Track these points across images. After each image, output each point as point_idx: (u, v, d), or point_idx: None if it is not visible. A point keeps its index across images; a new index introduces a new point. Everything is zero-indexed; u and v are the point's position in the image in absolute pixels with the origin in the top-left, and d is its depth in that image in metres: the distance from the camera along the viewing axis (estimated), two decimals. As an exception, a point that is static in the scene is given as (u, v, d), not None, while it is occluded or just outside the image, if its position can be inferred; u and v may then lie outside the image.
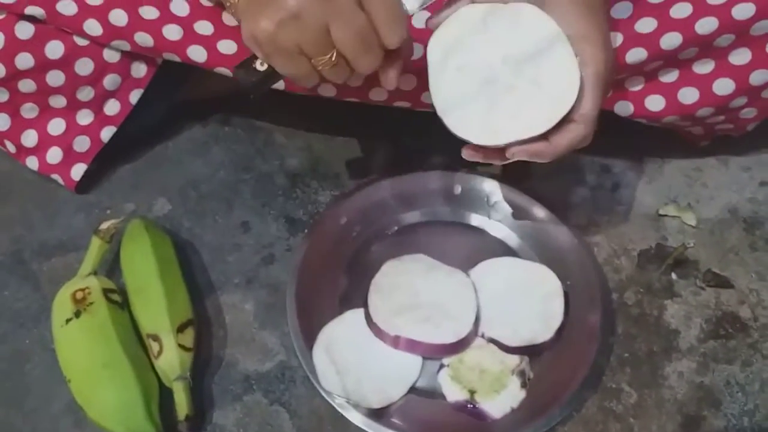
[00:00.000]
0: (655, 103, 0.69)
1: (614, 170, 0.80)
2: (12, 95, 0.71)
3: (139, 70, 0.73)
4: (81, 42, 0.69)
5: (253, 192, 0.78)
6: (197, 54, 0.67)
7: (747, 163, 0.80)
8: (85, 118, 0.74)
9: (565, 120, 0.56)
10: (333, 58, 0.53)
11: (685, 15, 0.63)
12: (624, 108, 0.70)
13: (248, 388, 0.65)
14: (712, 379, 0.66)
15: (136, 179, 0.79)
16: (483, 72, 0.57)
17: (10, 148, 0.75)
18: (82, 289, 0.65)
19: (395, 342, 0.64)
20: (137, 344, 0.64)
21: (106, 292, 0.65)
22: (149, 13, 0.67)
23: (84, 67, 0.70)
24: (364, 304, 0.66)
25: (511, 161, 0.58)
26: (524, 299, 0.67)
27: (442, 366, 0.64)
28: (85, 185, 0.77)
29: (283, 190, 0.78)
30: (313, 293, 0.68)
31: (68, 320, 0.63)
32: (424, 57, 0.59)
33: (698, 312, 0.70)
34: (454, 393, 0.63)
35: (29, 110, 0.73)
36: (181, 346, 0.63)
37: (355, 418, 0.61)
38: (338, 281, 0.70)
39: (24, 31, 0.67)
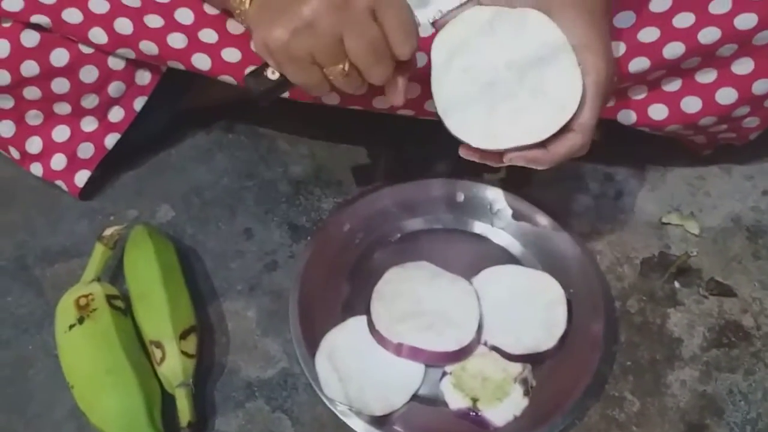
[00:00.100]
0: (658, 112, 0.69)
1: (617, 178, 0.80)
2: (17, 102, 0.71)
3: (144, 77, 0.73)
4: (86, 50, 0.69)
5: (256, 199, 0.78)
6: (202, 62, 0.68)
7: (750, 172, 0.80)
8: (89, 125, 0.75)
9: (564, 128, 0.56)
10: (345, 68, 0.54)
11: (688, 25, 0.64)
12: (627, 117, 0.70)
13: (250, 395, 0.65)
14: (715, 387, 0.66)
15: (139, 186, 0.79)
16: (487, 75, 0.57)
17: (15, 154, 0.76)
18: (86, 296, 0.65)
19: (398, 349, 0.64)
20: (140, 351, 0.64)
21: (109, 298, 0.65)
22: (154, 21, 0.67)
23: (89, 74, 0.70)
24: (367, 312, 0.66)
25: (506, 165, 0.58)
26: (527, 307, 0.67)
27: (444, 374, 0.64)
28: (88, 191, 0.77)
29: (286, 197, 0.78)
30: (316, 300, 0.68)
31: (71, 326, 0.63)
32: (428, 65, 0.59)
33: (701, 320, 0.70)
34: (456, 401, 0.63)
35: (34, 117, 0.73)
36: (184, 353, 0.63)
37: (358, 425, 0.61)
38: (341, 288, 0.70)
39: (29, 39, 0.68)
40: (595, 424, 0.64)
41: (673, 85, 0.68)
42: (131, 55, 0.69)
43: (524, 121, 0.57)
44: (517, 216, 0.74)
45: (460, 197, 0.75)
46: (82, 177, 0.76)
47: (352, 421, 0.61)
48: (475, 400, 0.63)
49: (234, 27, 0.68)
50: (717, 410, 0.65)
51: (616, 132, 0.74)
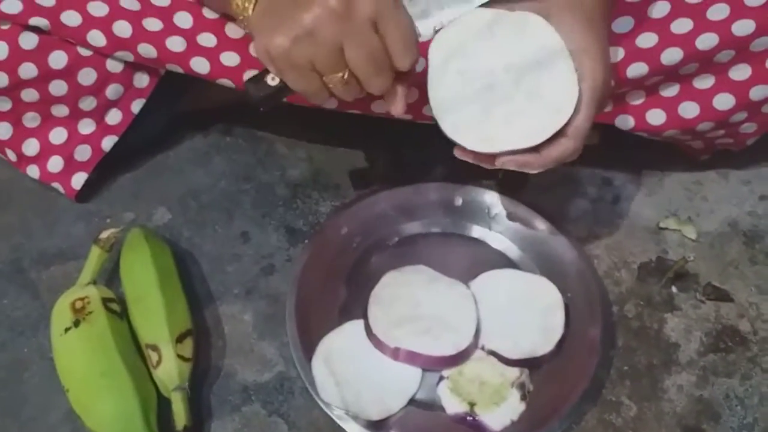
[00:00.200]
0: (655, 117, 0.69)
1: (615, 183, 0.80)
2: (15, 104, 0.71)
3: (142, 80, 0.73)
4: (84, 52, 0.69)
5: (253, 202, 0.78)
6: (200, 65, 0.68)
7: (747, 177, 0.81)
8: (86, 127, 0.75)
9: (558, 133, 0.56)
10: (345, 77, 0.54)
11: (686, 31, 0.64)
12: (625, 122, 0.70)
13: (247, 398, 0.65)
14: (712, 392, 0.66)
15: (136, 188, 0.79)
16: (483, 78, 0.58)
17: (11, 156, 0.76)
18: (82, 299, 0.65)
19: (395, 354, 0.64)
20: (136, 354, 0.64)
21: (105, 301, 0.65)
22: (153, 24, 0.67)
23: (87, 77, 0.70)
24: (364, 316, 0.66)
25: (500, 169, 0.58)
26: (524, 311, 0.67)
27: (441, 378, 0.64)
28: (85, 194, 0.77)
29: (283, 200, 0.78)
30: (313, 304, 0.68)
31: (67, 329, 0.63)
32: (426, 69, 0.59)
33: (698, 325, 0.70)
34: (453, 405, 0.63)
35: (31, 119, 0.73)
36: (180, 357, 0.63)
37: (354, 429, 0.61)
38: (338, 292, 0.70)
39: (28, 41, 0.67)
40: (592, 428, 0.64)
41: (671, 91, 0.68)
42: (130, 58, 0.69)
43: (519, 124, 0.57)
44: (514, 220, 0.74)
45: (458, 201, 0.75)
46: (78, 179, 0.76)
47: (349, 426, 0.61)
48: (472, 405, 0.63)
49: (232, 31, 0.68)
50: (714, 415, 0.65)
51: (613, 137, 0.74)
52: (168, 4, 0.68)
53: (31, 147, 0.74)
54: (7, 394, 0.65)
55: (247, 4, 0.56)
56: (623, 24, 0.66)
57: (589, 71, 0.56)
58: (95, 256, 0.69)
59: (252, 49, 0.67)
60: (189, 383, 0.63)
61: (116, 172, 0.79)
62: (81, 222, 0.76)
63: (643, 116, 0.69)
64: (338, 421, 0.61)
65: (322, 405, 0.62)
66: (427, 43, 0.59)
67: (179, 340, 0.64)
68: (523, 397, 0.63)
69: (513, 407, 0.63)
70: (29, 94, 0.70)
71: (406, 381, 0.64)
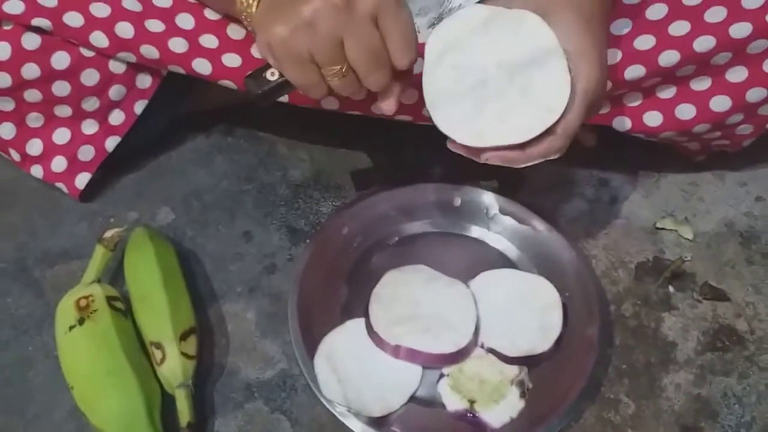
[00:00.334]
0: (652, 118, 0.70)
1: (612, 184, 0.81)
2: (18, 104, 0.71)
3: (144, 81, 0.74)
4: (87, 53, 0.70)
5: (255, 202, 0.79)
6: (202, 66, 0.68)
7: (743, 178, 0.81)
8: (90, 127, 0.75)
9: (546, 131, 0.57)
10: (343, 70, 0.54)
11: (683, 33, 0.64)
12: (622, 123, 0.71)
13: (250, 396, 0.66)
14: (709, 390, 0.67)
15: (139, 188, 0.80)
16: (476, 74, 0.58)
17: (15, 156, 0.76)
18: (86, 297, 0.65)
19: (395, 351, 0.65)
20: (140, 352, 0.65)
21: (109, 299, 0.66)
22: (155, 26, 0.68)
23: (90, 77, 0.71)
24: (365, 314, 0.67)
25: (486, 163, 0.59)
26: (523, 310, 0.68)
27: (441, 376, 0.65)
28: (89, 194, 0.78)
29: (285, 200, 0.79)
30: (315, 303, 0.69)
31: (71, 327, 0.64)
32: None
33: (695, 324, 0.71)
34: (453, 402, 0.63)
35: (35, 119, 0.73)
36: (184, 354, 0.64)
37: (356, 426, 0.61)
38: (339, 291, 0.71)
39: (31, 41, 0.68)
40: (590, 426, 0.64)
41: (668, 93, 0.69)
42: (132, 59, 0.70)
43: (510, 120, 0.57)
44: (513, 220, 0.75)
45: (457, 202, 0.76)
46: (82, 179, 0.76)
47: (351, 422, 0.62)
48: (472, 402, 0.63)
49: (234, 32, 0.68)
50: (711, 413, 0.65)
51: (611, 138, 0.75)
52: (170, 6, 0.68)
53: (34, 147, 0.75)
54: (12, 392, 0.66)
55: (251, 1, 0.57)
56: (621, 26, 0.66)
57: (583, 73, 0.56)
58: (99, 255, 0.69)
59: (254, 48, 0.67)
60: (193, 380, 0.63)
61: (119, 173, 0.80)
62: (85, 221, 0.77)
63: (640, 118, 0.70)
64: (340, 418, 0.62)
65: (324, 402, 0.63)
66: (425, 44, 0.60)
67: (183, 337, 0.64)
68: (523, 395, 0.64)
69: (512, 405, 0.63)
70: (32, 95, 0.71)
71: (406, 378, 0.64)
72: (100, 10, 0.67)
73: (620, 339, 0.69)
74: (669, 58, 0.65)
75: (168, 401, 0.63)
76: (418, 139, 0.78)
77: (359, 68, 0.54)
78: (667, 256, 0.75)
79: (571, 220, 0.77)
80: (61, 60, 0.69)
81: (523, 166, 0.58)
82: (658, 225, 0.77)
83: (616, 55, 0.66)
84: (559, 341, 0.66)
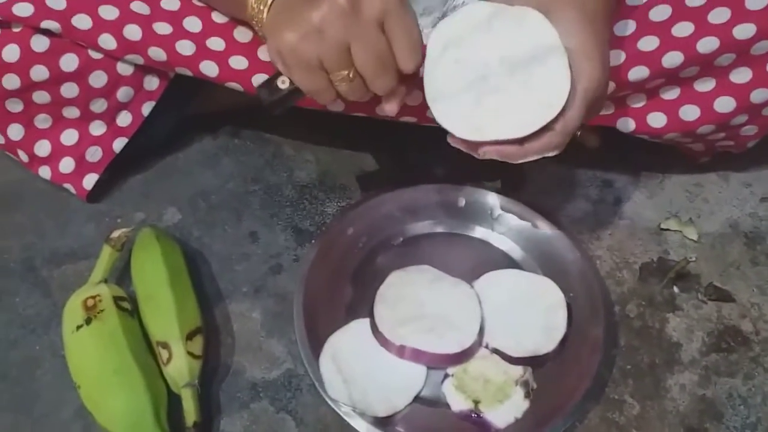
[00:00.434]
0: (656, 119, 0.70)
1: (616, 185, 0.81)
2: (26, 106, 0.72)
3: (152, 83, 0.74)
4: (95, 55, 0.70)
5: (261, 203, 0.79)
6: (209, 69, 0.69)
7: (747, 179, 0.81)
8: (97, 129, 0.76)
9: (545, 127, 0.57)
10: (350, 75, 0.55)
11: (687, 34, 0.65)
12: (626, 124, 0.71)
13: (255, 395, 0.66)
14: (714, 391, 0.67)
15: (146, 189, 0.80)
16: (478, 69, 0.58)
17: (23, 157, 0.77)
18: (93, 297, 0.66)
19: (400, 352, 0.65)
20: (147, 351, 0.65)
21: (116, 299, 0.66)
22: (163, 28, 0.68)
23: (98, 79, 0.71)
24: (370, 314, 0.67)
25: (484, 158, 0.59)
26: (528, 311, 0.68)
27: (446, 376, 0.65)
28: (96, 194, 0.78)
29: (291, 201, 0.79)
30: (320, 303, 0.69)
31: (79, 327, 0.64)
32: None
33: (700, 325, 0.71)
34: (458, 403, 0.64)
35: (43, 121, 0.74)
36: (190, 354, 0.64)
37: (361, 426, 0.62)
38: (344, 291, 0.71)
39: (39, 44, 0.68)
40: (595, 426, 0.64)
41: (672, 94, 0.69)
42: (140, 61, 0.70)
43: (509, 116, 0.57)
44: (517, 221, 0.75)
45: (462, 202, 0.76)
46: (90, 180, 0.77)
47: (356, 422, 0.62)
48: (476, 402, 0.63)
49: (241, 35, 0.69)
50: (716, 414, 0.65)
51: (615, 139, 0.75)
52: (177, 9, 0.69)
53: (42, 148, 0.75)
54: (19, 391, 0.66)
55: (262, 7, 0.57)
56: (625, 27, 0.66)
57: (585, 72, 0.56)
58: (106, 255, 0.70)
59: (261, 50, 0.68)
60: (199, 380, 0.64)
61: (127, 173, 0.81)
62: (92, 222, 0.77)
63: (644, 119, 0.70)
64: (345, 418, 0.62)
65: (329, 402, 0.63)
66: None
67: (189, 337, 0.65)
68: (527, 395, 0.64)
69: (517, 405, 0.63)
70: (41, 96, 0.71)
71: (411, 378, 0.64)
72: (109, 13, 0.68)
73: (625, 339, 0.70)
74: (673, 59, 0.65)
75: (174, 401, 0.63)
76: (423, 140, 0.78)
77: (366, 73, 0.55)
78: (672, 256, 0.75)
79: (575, 220, 0.77)
80: (69, 62, 0.70)
81: (520, 161, 0.58)
82: (663, 226, 0.77)
83: (619, 56, 0.66)
84: (563, 342, 0.66)
